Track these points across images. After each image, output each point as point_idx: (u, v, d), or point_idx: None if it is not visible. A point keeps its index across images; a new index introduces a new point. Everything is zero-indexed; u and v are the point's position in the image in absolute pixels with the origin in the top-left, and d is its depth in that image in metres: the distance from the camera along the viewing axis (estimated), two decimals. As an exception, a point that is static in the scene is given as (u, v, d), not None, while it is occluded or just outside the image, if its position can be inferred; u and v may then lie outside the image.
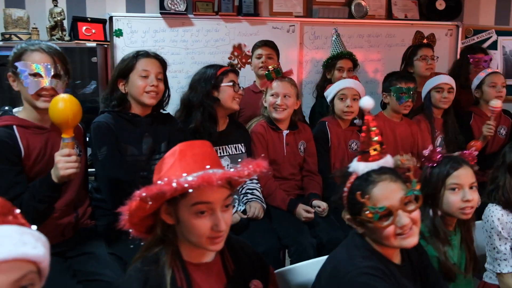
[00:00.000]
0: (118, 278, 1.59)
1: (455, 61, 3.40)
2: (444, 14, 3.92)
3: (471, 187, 1.52)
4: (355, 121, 2.44)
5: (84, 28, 3.20)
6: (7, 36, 3.07)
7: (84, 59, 3.25)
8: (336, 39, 3.07)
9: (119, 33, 3.43)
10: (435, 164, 1.53)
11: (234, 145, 2.18)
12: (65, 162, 1.45)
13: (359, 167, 1.24)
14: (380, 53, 3.93)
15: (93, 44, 3.18)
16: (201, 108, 2.13)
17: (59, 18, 3.12)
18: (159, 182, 0.99)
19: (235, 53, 2.24)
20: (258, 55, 2.90)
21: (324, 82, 2.79)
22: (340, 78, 2.71)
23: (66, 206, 1.71)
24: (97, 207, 1.90)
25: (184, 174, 0.99)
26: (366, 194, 1.20)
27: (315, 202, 2.17)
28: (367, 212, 1.18)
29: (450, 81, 2.62)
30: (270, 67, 2.34)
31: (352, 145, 2.48)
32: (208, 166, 1.03)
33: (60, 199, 1.64)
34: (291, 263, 1.87)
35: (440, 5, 3.93)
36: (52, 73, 1.61)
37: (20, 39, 3.08)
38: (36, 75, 1.59)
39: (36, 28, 3.12)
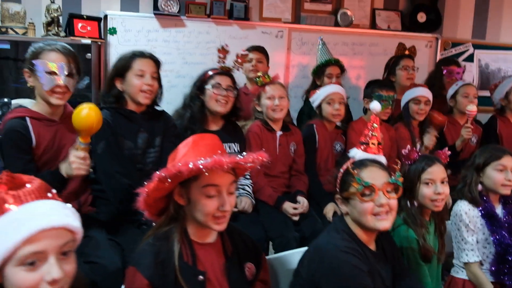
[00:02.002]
0: (116, 262, 1.74)
1: (430, 72, 3.65)
2: (425, 27, 4.20)
3: (442, 182, 1.77)
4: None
5: (79, 25, 3.33)
6: (3, 29, 3.17)
7: (78, 56, 3.37)
8: (322, 47, 3.28)
9: (113, 31, 3.57)
10: (412, 162, 1.75)
11: (228, 144, 2.35)
12: (79, 164, 1.62)
13: (357, 153, 1.46)
14: (363, 60, 4.17)
15: (88, 41, 3.30)
16: (189, 108, 2.30)
17: (55, 15, 3.23)
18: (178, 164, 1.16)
19: (221, 55, 2.41)
20: (249, 59, 3.08)
21: (315, 88, 3.00)
22: (329, 83, 2.92)
23: (69, 193, 1.86)
24: (98, 197, 2.04)
25: (202, 160, 1.17)
26: (357, 169, 1.41)
27: (299, 198, 2.37)
28: (354, 182, 1.38)
29: (427, 93, 2.86)
30: (259, 73, 2.52)
31: (337, 146, 2.69)
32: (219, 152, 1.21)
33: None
34: (275, 255, 2.04)
35: (421, 17, 4.20)
36: (66, 72, 1.78)
37: (16, 33, 3.19)
38: (52, 73, 1.75)
39: (33, 23, 3.24)
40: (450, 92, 3.06)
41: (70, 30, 3.32)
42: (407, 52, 3.32)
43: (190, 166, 1.15)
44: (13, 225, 0.85)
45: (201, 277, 1.25)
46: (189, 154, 1.22)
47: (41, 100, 1.84)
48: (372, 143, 1.47)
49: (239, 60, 2.71)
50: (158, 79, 2.12)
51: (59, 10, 3.27)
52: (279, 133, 2.52)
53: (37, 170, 1.76)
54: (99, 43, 3.48)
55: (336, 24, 4.05)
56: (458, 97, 3.02)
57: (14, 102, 2.51)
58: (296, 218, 2.32)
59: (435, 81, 3.31)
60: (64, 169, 1.66)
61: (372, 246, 1.52)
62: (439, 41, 4.25)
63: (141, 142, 2.07)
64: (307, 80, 3.94)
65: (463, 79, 3.16)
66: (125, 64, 2.06)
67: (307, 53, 4.01)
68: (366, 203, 1.39)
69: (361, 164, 1.45)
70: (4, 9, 3.19)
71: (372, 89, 2.75)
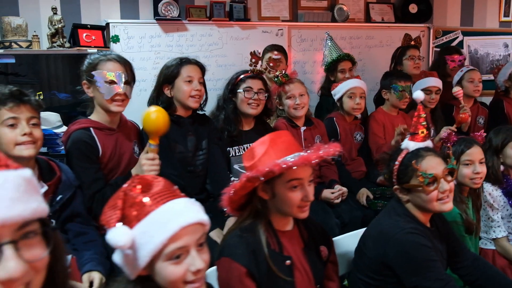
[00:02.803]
0: None
1: (433, 61, 3.79)
2: (417, 17, 4.34)
3: (480, 162, 1.89)
4: None
5: (84, 34, 3.32)
6: (6, 44, 3.12)
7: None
8: (331, 42, 3.36)
9: (116, 39, 3.56)
10: (451, 144, 1.86)
11: None
12: (150, 165, 1.66)
13: (409, 144, 1.54)
14: (360, 54, 4.27)
15: (94, 50, 3.28)
16: (223, 110, 2.35)
17: (59, 26, 3.20)
18: (271, 163, 1.22)
19: (253, 60, 2.45)
20: (268, 59, 3.14)
21: (329, 84, 3.08)
22: (343, 78, 3.02)
23: None
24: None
25: (287, 156, 1.22)
26: (418, 163, 1.49)
27: (337, 186, 2.46)
28: (420, 177, 1.47)
29: (438, 83, 3.01)
30: (277, 73, 2.57)
31: (357, 136, 2.78)
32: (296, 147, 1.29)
33: None
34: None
35: (413, 8, 4.34)
36: (124, 80, 1.80)
37: (21, 46, 3.14)
38: (111, 82, 1.77)
39: (37, 36, 3.20)
40: (456, 78, 3.20)
41: (75, 40, 3.30)
42: (412, 43, 3.44)
43: (284, 166, 1.21)
44: (157, 226, 0.91)
45: (288, 261, 1.34)
46: (270, 152, 1.29)
47: (100, 109, 1.87)
48: (421, 132, 1.56)
49: (271, 64, 2.78)
50: (203, 83, 2.17)
51: (62, 21, 3.24)
52: (303, 128, 2.60)
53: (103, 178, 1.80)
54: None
55: (333, 20, 4.15)
56: (464, 82, 3.16)
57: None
58: (338, 201, 2.41)
59: (439, 70, 3.44)
60: (135, 172, 1.70)
61: (428, 224, 1.63)
62: (431, 30, 4.41)
63: (190, 145, 2.14)
64: (309, 76, 4.04)
65: (466, 65, 3.30)
66: (173, 71, 2.11)
67: (307, 49, 4.10)
68: (432, 192, 1.50)
69: (418, 155, 1.53)
70: (6, 23, 3.15)
71: (390, 80, 2.86)
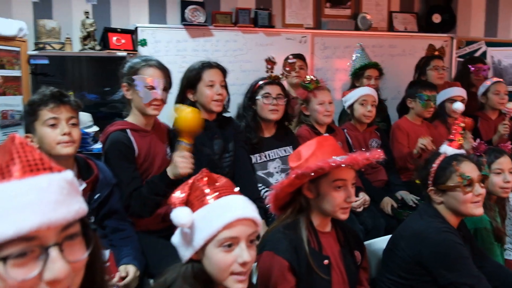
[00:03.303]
0: None
1: (457, 71, 3.81)
2: (440, 27, 4.36)
3: (510, 172, 1.96)
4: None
5: (114, 38, 3.42)
6: (41, 45, 3.25)
7: (113, 68, 3.45)
8: (361, 52, 3.43)
9: (144, 43, 3.66)
10: (481, 154, 1.90)
11: (284, 148, 2.46)
12: (184, 163, 1.73)
13: (448, 150, 1.62)
14: (383, 62, 4.27)
15: (124, 53, 3.39)
16: (243, 119, 2.41)
17: (91, 29, 3.31)
18: (318, 163, 1.32)
19: (269, 66, 2.51)
20: (284, 64, 3.20)
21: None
22: (369, 86, 3.04)
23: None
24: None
25: (334, 157, 1.29)
26: (458, 165, 1.59)
27: (361, 194, 2.48)
28: (458, 177, 1.56)
29: (462, 93, 3.03)
30: (308, 78, 2.62)
31: (373, 143, 2.81)
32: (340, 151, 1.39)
33: None
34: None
35: (436, 18, 4.37)
36: (162, 86, 1.88)
37: (54, 48, 3.26)
38: (151, 88, 1.86)
39: (69, 38, 3.32)
40: (481, 89, 3.22)
41: (105, 43, 3.41)
42: (436, 53, 3.46)
43: (333, 164, 1.28)
44: (216, 213, 1.01)
45: (326, 261, 1.40)
46: (317, 154, 1.36)
47: (137, 112, 1.95)
48: (459, 139, 1.63)
49: (287, 68, 2.83)
50: (225, 87, 2.22)
51: (94, 24, 3.35)
52: (325, 135, 2.63)
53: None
54: (132, 55, 3.56)
55: (356, 28, 4.19)
56: (489, 94, 3.18)
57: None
58: (360, 209, 2.44)
59: (463, 80, 3.46)
60: (171, 171, 1.76)
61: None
62: (454, 41, 4.42)
63: (217, 148, 2.19)
64: (330, 83, 4.07)
65: (491, 75, 3.31)
66: (195, 76, 2.17)
67: (329, 57, 4.15)
68: (467, 194, 1.57)
69: (457, 159, 1.62)
70: (41, 26, 3.27)
71: (415, 89, 2.89)
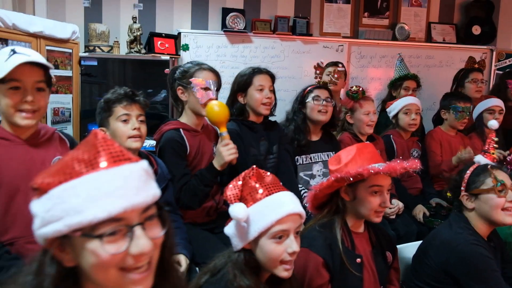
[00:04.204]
0: None
1: (494, 84, 3.80)
2: (480, 39, 4.35)
3: None
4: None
5: (159, 42, 3.61)
6: (91, 48, 3.47)
7: (156, 70, 3.65)
8: (401, 62, 3.50)
9: (186, 47, 3.84)
10: None
11: (326, 152, 2.57)
12: (227, 150, 1.89)
13: (481, 159, 1.68)
14: (419, 73, 4.31)
15: (167, 57, 3.58)
16: (293, 122, 2.52)
17: (138, 34, 3.51)
18: (358, 169, 1.42)
19: (317, 72, 2.61)
20: (328, 72, 3.30)
21: (391, 99, 3.19)
22: (406, 96, 3.11)
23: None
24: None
25: (373, 164, 1.38)
26: (493, 169, 1.66)
27: (394, 201, 2.56)
28: (493, 179, 1.62)
29: (501, 103, 3.05)
30: (354, 88, 2.70)
31: (414, 153, 2.88)
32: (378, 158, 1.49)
33: None
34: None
35: (476, 30, 4.36)
36: (215, 87, 2.03)
37: (103, 50, 3.48)
38: (206, 89, 2.01)
39: (117, 42, 3.53)
40: None
41: (150, 47, 3.60)
42: (476, 66, 3.47)
43: (371, 171, 1.40)
44: (270, 208, 1.14)
45: (359, 259, 1.49)
46: (356, 159, 1.47)
47: (190, 112, 2.11)
48: (492, 152, 1.69)
49: (336, 75, 2.93)
50: (273, 91, 2.37)
51: (140, 29, 3.55)
52: (366, 142, 2.71)
53: None
54: (174, 59, 3.75)
55: (394, 38, 4.24)
56: None
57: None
58: (393, 217, 2.52)
59: (499, 94, 3.45)
60: (217, 162, 1.93)
61: (486, 240, 1.72)
62: (494, 53, 4.39)
63: (263, 149, 2.33)
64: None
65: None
66: (246, 80, 2.31)
67: (365, 66, 4.22)
68: (500, 198, 1.62)
69: (491, 166, 1.69)
70: (92, 29, 3.50)
71: (449, 101, 2.94)
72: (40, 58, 1.45)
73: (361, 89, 2.66)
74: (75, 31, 3.40)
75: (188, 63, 2.18)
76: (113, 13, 3.79)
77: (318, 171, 2.53)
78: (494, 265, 1.58)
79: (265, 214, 1.13)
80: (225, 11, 3.95)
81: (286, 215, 1.13)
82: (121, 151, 0.79)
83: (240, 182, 1.19)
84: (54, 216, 0.72)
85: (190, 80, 2.05)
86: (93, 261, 0.74)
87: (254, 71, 2.32)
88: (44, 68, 1.48)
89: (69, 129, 3.40)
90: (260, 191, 1.15)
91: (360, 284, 1.47)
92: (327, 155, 2.55)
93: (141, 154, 1.90)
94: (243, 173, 1.21)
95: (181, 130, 2.07)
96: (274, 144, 2.38)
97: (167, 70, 3.63)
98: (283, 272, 1.15)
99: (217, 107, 1.90)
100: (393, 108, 2.91)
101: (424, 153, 2.93)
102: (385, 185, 1.49)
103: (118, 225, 0.74)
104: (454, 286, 1.58)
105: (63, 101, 3.35)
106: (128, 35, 3.55)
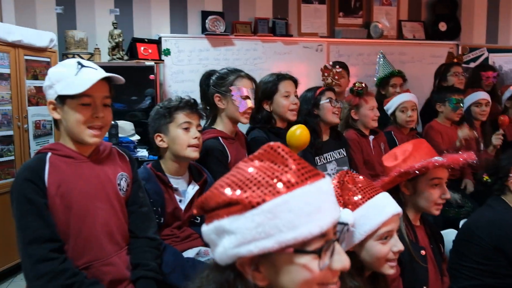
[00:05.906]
0: None
1: (468, 77, 4.02)
2: (446, 35, 4.61)
3: None
4: None
5: (142, 48, 3.50)
6: (70, 56, 3.29)
7: (140, 77, 3.52)
8: (383, 60, 3.59)
9: (167, 52, 3.75)
10: None
11: (338, 150, 2.59)
12: None
13: None
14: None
15: (151, 63, 3.47)
16: (306, 124, 2.52)
17: (120, 40, 3.38)
18: (419, 163, 1.44)
19: (325, 74, 2.63)
20: (334, 73, 3.34)
21: (380, 97, 3.28)
22: (394, 93, 3.24)
23: None
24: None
25: (436, 157, 1.41)
26: None
27: None
28: None
29: (487, 96, 3.23)
30: (358, 84, 2.74)
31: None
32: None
33: None
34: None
35: (442, 26, 4.61)
36: (253, 96, 1.98)
37: (83, 58, 3.30)
38: (246, 97, 1.95)
39: (98, 49, 3.37)
40: (507, 94, 3.46)
41: (132, 53, 3.48)
42: (455, 60, 3.67)
43: (436, 164, 1.43)
44: (375, 211, 1.13)
45: (423, 251, 1.52)
46: (413, 155, 1.50)
47: (227, 120, 2.05)
48: None
49: (336, 77, 2.96)
50: (297, 97, 2.36)
51: (121, 35, 3.42)
52: (371, 137, 2.78)
53: None
54: (158, 63, 3.64)
55: (369, 36, 4.39)
56: None
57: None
58: None
59: (474, 86, 3.66)
60: None
61: None
62: (460, 48, 4.67)
63: None
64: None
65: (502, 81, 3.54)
66: (271, 87, 2.28)
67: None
68: None
69: None
70: (70, 37, 3.33)
71: (444, 94, 3.07)
72: (110, 73, 1.38)
73: (364, 85, 2.72)
74: (53, 39, 3.22)
75: (223, 69, 2.11)
76: (88, 19, 3.63)
77: (332, 169, 2.54)
78: None
79: (370, 218, 1.13)
80: (205, 14, 3.90)
81: (391, 216, 1.14)
82: (309, 165, 0.76)
83: (338, 188, 1.17)
84: (263, 233, 0.69)
85: (230, 88, 2.00)
86: (304, 277, 0.71)
87: (279, 78, 2.30)
88: (109, 82, 1.41)
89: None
90: (359, 196, 1.15)
91: (426, 276, 1.50)
92: (339, 153, 2.58)
93: (189, 163, 1.84)
94: (336, 178, 1.20)
95: (220, 138, 2.01)
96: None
97: (152, 76, 3.53)
98: (389, 269, 1.16)
99: (300, 130, 1.83)
100: (390, 106, 2.99)
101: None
102: (444, 177, 1.53)
103: (323, 240, 0.72)
104: (506, 261, 1.66)
105: (44, 113, 3.15)
106: (109, 41, 3.41)
